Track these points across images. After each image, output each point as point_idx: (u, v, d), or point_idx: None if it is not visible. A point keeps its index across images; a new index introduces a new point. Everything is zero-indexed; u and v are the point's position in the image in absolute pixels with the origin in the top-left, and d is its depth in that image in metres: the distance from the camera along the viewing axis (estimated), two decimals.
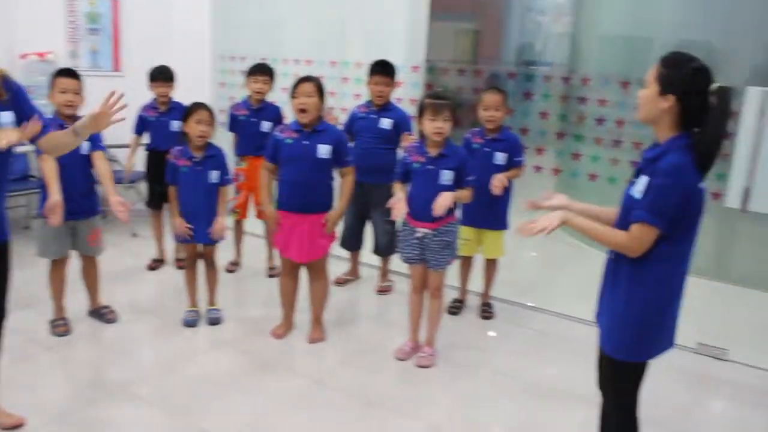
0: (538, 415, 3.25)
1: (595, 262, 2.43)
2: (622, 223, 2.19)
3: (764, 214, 3.58)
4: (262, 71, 4.78)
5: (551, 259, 5.83)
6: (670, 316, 2.25)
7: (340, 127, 4.32)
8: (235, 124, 4.86)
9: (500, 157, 4.02)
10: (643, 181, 2.13)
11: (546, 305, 4.42)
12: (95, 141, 3.81)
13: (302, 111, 3.58)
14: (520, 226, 2.31)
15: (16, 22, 5.79)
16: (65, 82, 3.70)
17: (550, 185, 6.41)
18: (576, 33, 6.85)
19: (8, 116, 2.62)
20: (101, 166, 3.82)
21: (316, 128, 3.63)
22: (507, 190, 4.07)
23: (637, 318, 2.20)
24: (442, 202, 3.37)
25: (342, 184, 3.77)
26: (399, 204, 3.48)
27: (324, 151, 3.62)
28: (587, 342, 3.88)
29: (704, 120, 2.08)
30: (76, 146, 2.89)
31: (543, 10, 9.58)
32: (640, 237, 2.10)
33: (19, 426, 2.96)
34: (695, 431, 3.24)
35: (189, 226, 3.92)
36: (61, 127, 3.60)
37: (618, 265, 2.23)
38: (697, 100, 2.08)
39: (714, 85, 2.07)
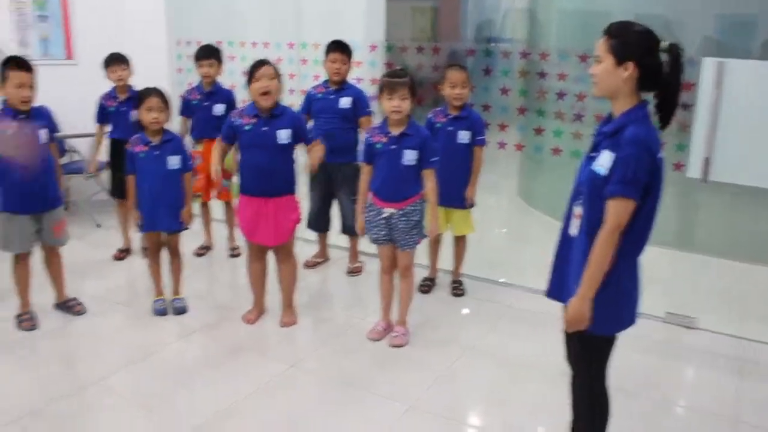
0: (513, 390, 3.30)
1: None
2: (589, 198, 2.18)
3: (724, 183, 3.64)
4: (206, 55, 4.77)
5: (521, 235, 5.90)
6: (637, 288, 2.27)
7: None
8: (188, 108, 4.86)
9: (464, 136, 4.04)
10: (606, 156, 2.12)
11: (517, 281, 4.47)
12: (51, 122, 3.83)
13: (265, 94, 3.54)
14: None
15: None
16: (21, 76, 3.55)
17: (514, 161, 6.48)
18: (534, 8, 6.87)
19: None
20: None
21: (273, 113, 3.60)
22: (471, 170, 4.12)
23: (608, 291, 2.19)
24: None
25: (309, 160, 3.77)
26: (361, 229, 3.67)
27: (284, 136, 3.60)
28: (559, 316, 3.95)
29: (661, 80, 2.12)
30: None
31: None
32: (617, 213, 2.09)
33: None
34: (666, 398, 3.29)
35: (139, 220, 3.91)
36: (14, 118, 3.55)
37: (585, 240, 2.23)
38: (652, 60, 2.11)
39: (664, 43, 2.11)
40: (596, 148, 2.21)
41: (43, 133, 3.71)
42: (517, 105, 4.55)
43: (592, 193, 2.17)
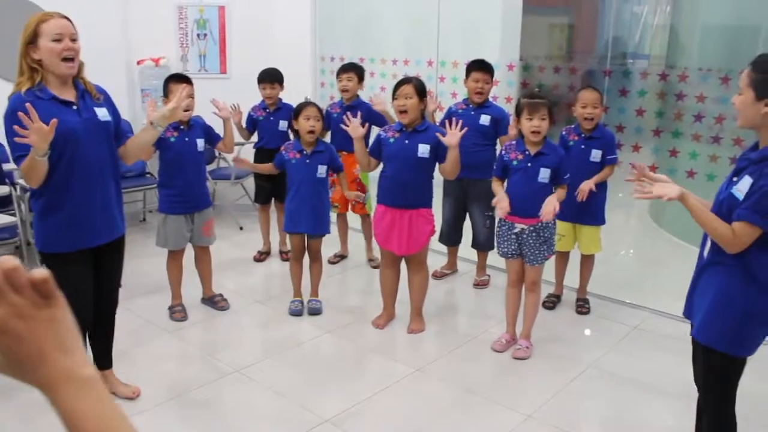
0: (632, 411, 3.30)
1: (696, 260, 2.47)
2: (724, 221, 2.22)
3: None
4: (346, 69, 4.96)
5: (650, 256, 5.79)
6: None
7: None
8: (329, 120, 5.06)
9: (596, 155, 4.07)
10: (746, 181, 2.15)
11: (643, 302, 4.43)
12: (212, 133, 4.24)
13: (402, 112, 3.74)
14: (636, 187, 2.34)
15: (132, 31, 6.18)
16: (181, 88, 3.94)
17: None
18: (675, 23, 6.72)
19: (105, 111, 2.95)
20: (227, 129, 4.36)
21: (417, 128, 3.78)
22: (603, 186, 4.12)
23: (740, 309, 2.22)
24: (549, 209, 3.47)
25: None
26: (502, 203, 3.59)
27: (423, 150, 3.76)
28: (685, 339, 3.88)
29: None
30: (155, 140, 3.17)
31: (640, 1, 9.36)
32: (741, 236, 2.13)
33: (134, 396, 3.28)
34: None
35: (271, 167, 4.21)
36: (176, 129, 3.94)
37: (719, 256, 2.26)
38: None
39: None
40: (739, 173, 2.23)
41: (200, 143, 4.08)
42: (652, 126, 4.50)
43: (726, 217, 2.20)
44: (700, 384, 2.46)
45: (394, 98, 3.76)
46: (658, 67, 6.56)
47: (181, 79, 4.02)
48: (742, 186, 2.16)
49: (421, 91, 3.76)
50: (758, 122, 2.17)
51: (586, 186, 3.99)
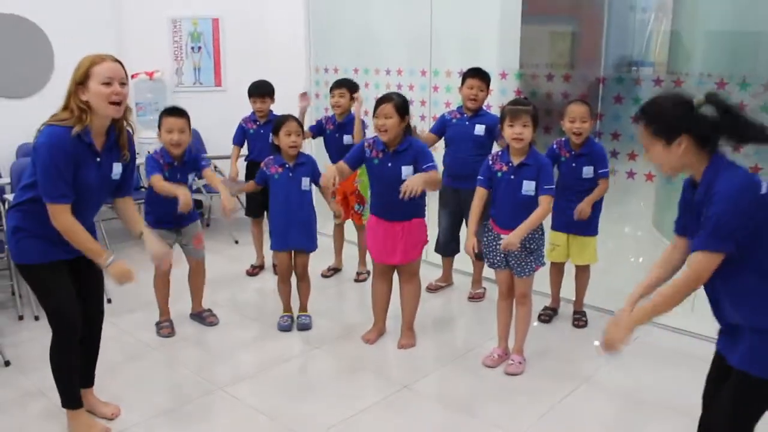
0: (628, 427, 3.19)
1: None
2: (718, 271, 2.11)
3: None
4: (338, 85, 4.88)
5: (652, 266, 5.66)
6: None
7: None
8: (320, 131, 5.02)
9: (587, 171, 3.98)
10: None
11: None
12: (199, 161, 4.09)
13: (381, 131, 3.64)
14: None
15: (126, 44, 6.14)
16: (171, 121, 3.89)
17: (652, 189, 6.23)
18: (677, 30, 6.61)
19: (120, 169, 2.95)
20: (213, 179, 4.13)
21: (398, 149, 3.66)
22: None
23: None
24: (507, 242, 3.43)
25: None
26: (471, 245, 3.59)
27: (407, 172, 3.64)
28: (686, 353, 3.79)
29: (721, 131, 2.05)
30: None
31: (645, 8, 9.25)
32: (698, 265, 2.05)
33: (113, 417, 3.19)
34: None
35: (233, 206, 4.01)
36: (170, 164, 3.86)
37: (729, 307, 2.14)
38: (701, 123, 2.04)
39: (698, 100, 2.05)
40: (698, 217, 2.12)
41: (190, 178, 4.04)
42: None
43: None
44: (714, 404, 2.29)
45: (375, 116, 3.66)
46: (661, 74, 6.40)
47: (175, 113, 3.94)
48: None
49: (402, 109, 3.63)
50: (682, 163, 2.10)
51: (583, 207, 3.96)
